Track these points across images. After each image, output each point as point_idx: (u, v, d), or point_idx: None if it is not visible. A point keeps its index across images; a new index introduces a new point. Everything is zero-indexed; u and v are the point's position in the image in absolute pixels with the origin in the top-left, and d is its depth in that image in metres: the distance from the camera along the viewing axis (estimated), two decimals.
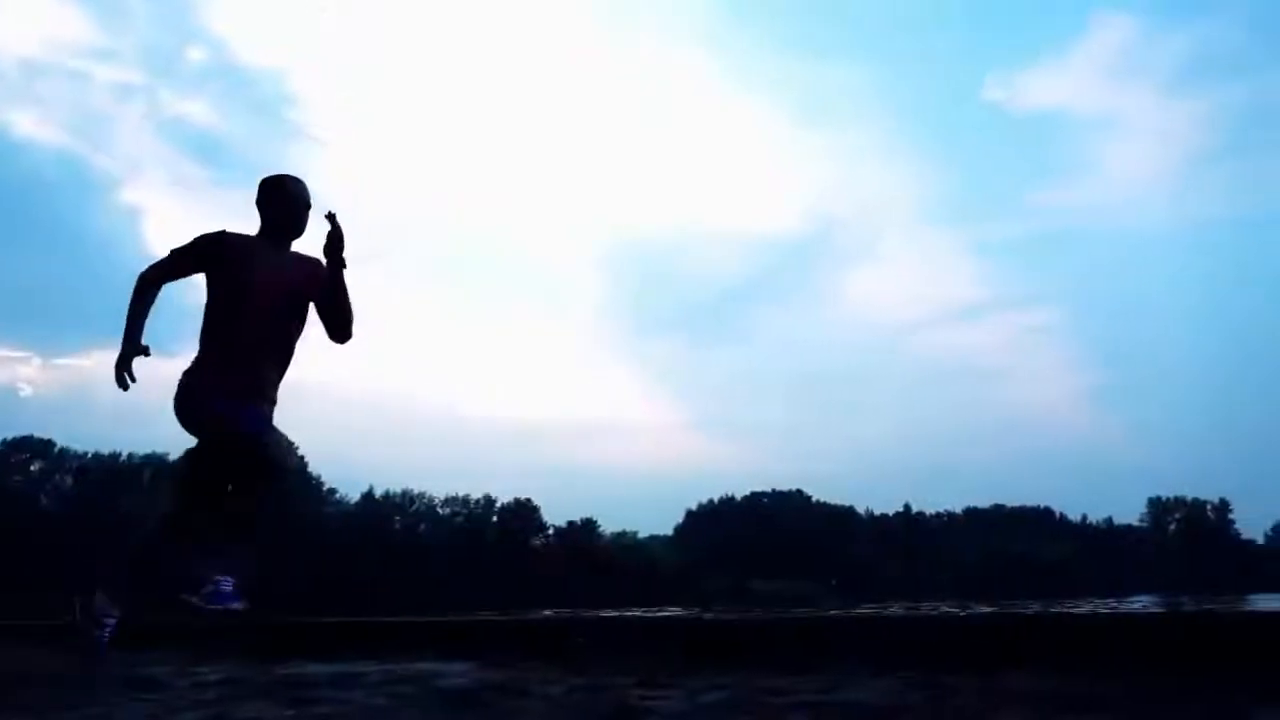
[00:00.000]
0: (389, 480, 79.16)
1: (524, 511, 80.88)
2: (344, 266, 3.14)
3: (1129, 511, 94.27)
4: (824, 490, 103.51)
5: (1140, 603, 24.52)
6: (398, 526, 76.02)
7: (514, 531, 78.60)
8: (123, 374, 2.95)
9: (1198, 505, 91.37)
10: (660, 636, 2.54)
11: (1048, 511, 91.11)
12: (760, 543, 78.80)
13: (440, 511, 79.83)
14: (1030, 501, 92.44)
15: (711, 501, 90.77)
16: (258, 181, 3.25)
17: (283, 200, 3.24)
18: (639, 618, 3.16)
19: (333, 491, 74.21)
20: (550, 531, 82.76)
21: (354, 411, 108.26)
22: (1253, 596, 35.40)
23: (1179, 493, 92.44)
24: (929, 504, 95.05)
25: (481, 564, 70.45)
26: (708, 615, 2.98)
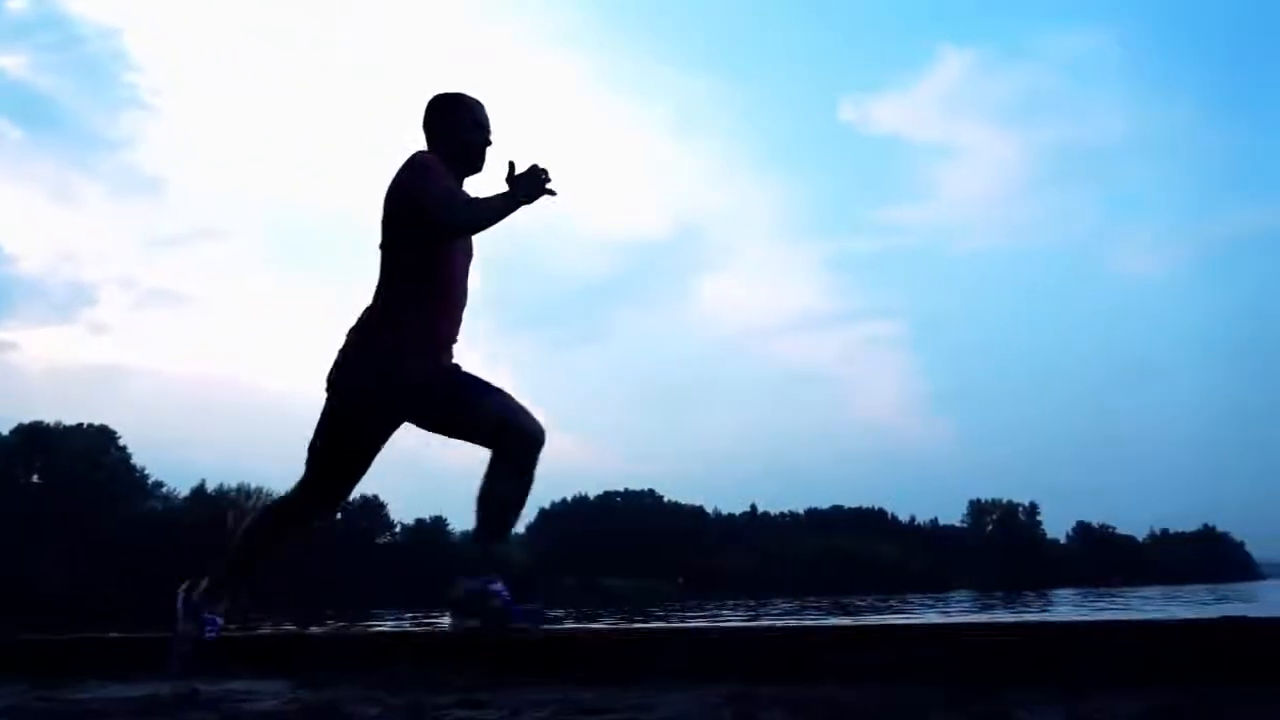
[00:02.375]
0: (224, 473, 74.78)
1: (370, 508, 78.21)
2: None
3: (952, 513, 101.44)
4: (675, 490, 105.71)
5: (961, 600, 26.23)
6: (230, 523, 71.69)
7: (359, 529, 75.81)
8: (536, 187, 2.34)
9: (1011, 507, 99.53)
10: (490, 649, 2.50)
11: (881, 512, 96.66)
12: (612, 542, 79.45)
13: None
14: (865, 503, 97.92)
15: (565, 500, 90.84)
16: (431, 98, 2.61)
17: (478, 128, 2.59)
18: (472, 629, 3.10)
19: (158, 485, 69.23)
20: (398, 529, 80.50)
21: (186, 395, 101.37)
22: (1055, 593, 38.67)
23: (995, 495, 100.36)
24: (773, 504, 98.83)
25: (324, 564, 67.57)
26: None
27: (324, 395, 2.52)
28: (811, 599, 37.34)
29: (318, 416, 2.52)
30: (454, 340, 2.60)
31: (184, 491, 70.17)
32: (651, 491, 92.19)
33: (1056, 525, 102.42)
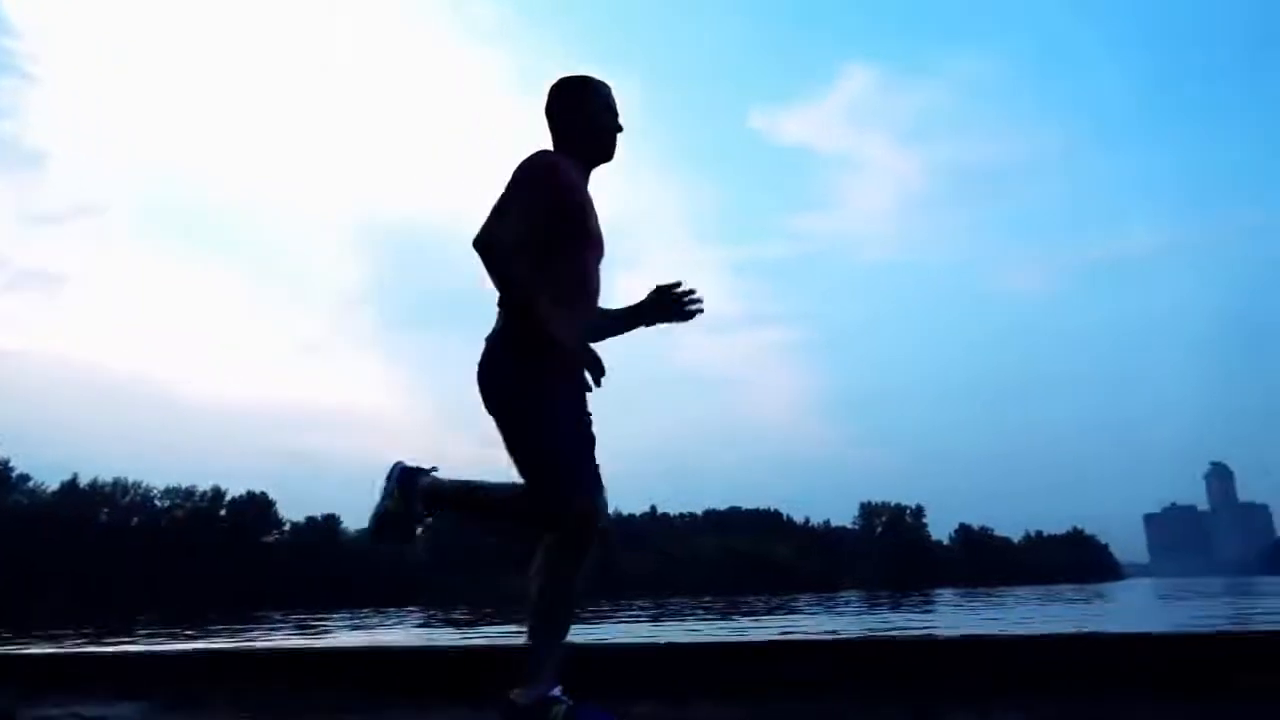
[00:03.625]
0: (97, 467, 70.62)
1: (257, 505, 75.25)
2: (649, 325, 2.47)
3: (844, 514, 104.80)
4: None
5: (850, 601, 27.05)
6: (104, 520, 67.78)
7: (245, 527, 72.81)
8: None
9: (899, 510, 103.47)
10: (350, 667, 2.47)
11: (776, 514, 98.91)
12: (510, 541, 78.69)
13: (159, 503, 72.31)
14: (763, 504, 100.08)
15: None
16: (554, 83, 2.41)
17: (609, 112, 2.37)
18: (339, 649, 3.03)
19: (25, 478, 64.98)
20: (286, 528, 77.70)
21: (57, 386, 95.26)
22: (938, 593, 40.36)
23: (885, 498, 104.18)
24: (673, 505, 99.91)
25: (206, 563, 64.59)
26: (394, 644, 2.94)
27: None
28: (708, 599, 37.90)
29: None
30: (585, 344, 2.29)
31: (53, 485, 66.09)
32: None
33: (941, 527, 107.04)
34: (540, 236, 2.19)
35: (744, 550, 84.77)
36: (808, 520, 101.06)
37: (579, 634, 2.37)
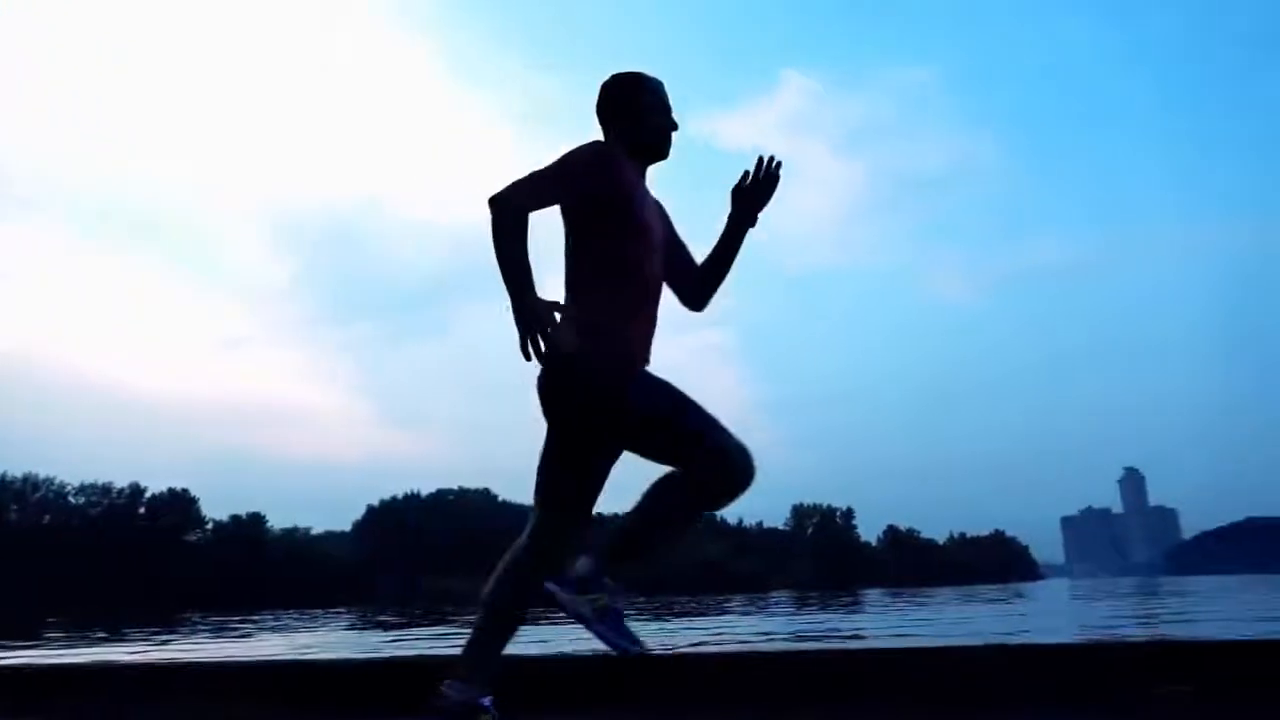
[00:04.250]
0: (5, 462, 67.52)
1: (178, 503, 72.79)
2: (754, 225, 2.46)
3: (776, 515, 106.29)
4: (512, 489, 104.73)
5: (779, 600, 27.38)
6: (13, 518, 64.73)
7: (165, 526, 70.35)
8: (534, 336, 2.01)
9: (830, 511, 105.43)
10: (227, 682, 2.40)
11: (709, 515, 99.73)
12: (442, 540, 77.69)
13: (73, 500, 69.42)
14: None
15: (395, 498, 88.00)
16: (605, 81, 2.37)
17: (664, 110, 2.34)
18: (221, 664, 2.92)
19: None
20: (209, 526, 75.40)
21: None
22: (866, 592, 41.25)
23: (816, 500, 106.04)
24: (606, 505, 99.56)
25: (123, 562, 62.19)
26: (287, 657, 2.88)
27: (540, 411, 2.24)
28: (640, 600, 37.97)
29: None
30: (650, 340, 2.33)
31: None
32: (486, 490, 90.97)
33: (869, 529, 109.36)
34: (581, 222, 2.21)
35: (677, 550, 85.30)
36: (740, 521, 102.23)
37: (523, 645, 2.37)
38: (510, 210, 2.05)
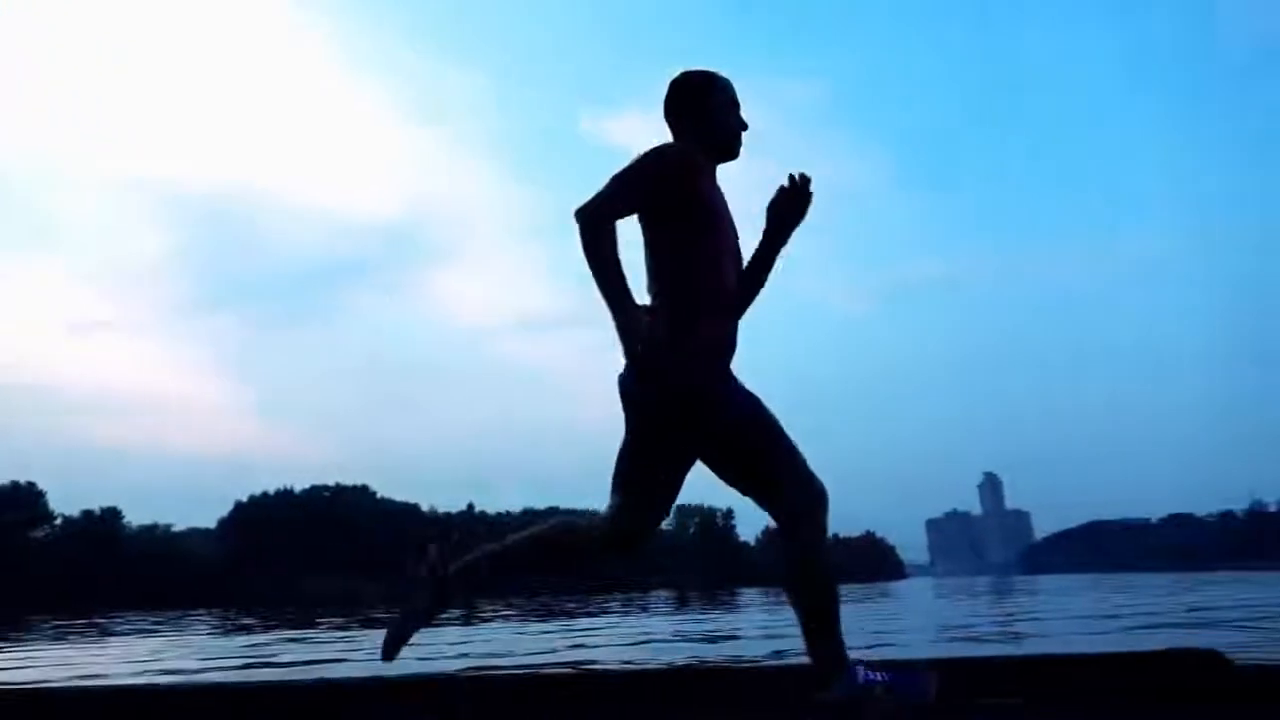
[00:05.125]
0: None
1: (23, 497, 67.55)
2: (786, 244, 2.35)
3: None
4: (391, 486, 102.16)
5: (658, 601, 27.58)
6: None
7: (9, 522, 65.12)
8: (638, 346, 1.97)
9: (710, 512, 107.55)
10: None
11: (595, 514, 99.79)
12: (317, 539, 74.96)
13: None
14: (581, 504, 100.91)
15: (266, 494, 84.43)
16: (675, 79, 2.31)
17: (735, 108, 2.29)
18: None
19: None
20: (58, 522, 70.30)
21: None
22: (744, 591, 42.00)
23: (698, 500, 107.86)
24: (491, 504, 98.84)
25: None
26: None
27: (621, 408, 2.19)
28: (519, 601, 37.65)
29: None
30: (735, 341, 2.27)
31: None
32: (365, 487, 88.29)
33: (749, 529, 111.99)
34: (664, 225, 2.16)
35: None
36: None
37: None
38: (597, 221, 2.02)
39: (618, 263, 2.03)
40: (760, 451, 2.15)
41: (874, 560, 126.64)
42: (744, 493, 2.21)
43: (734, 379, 2.21)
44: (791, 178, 2.30)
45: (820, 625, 2.04)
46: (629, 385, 2.14)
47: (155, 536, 74.39)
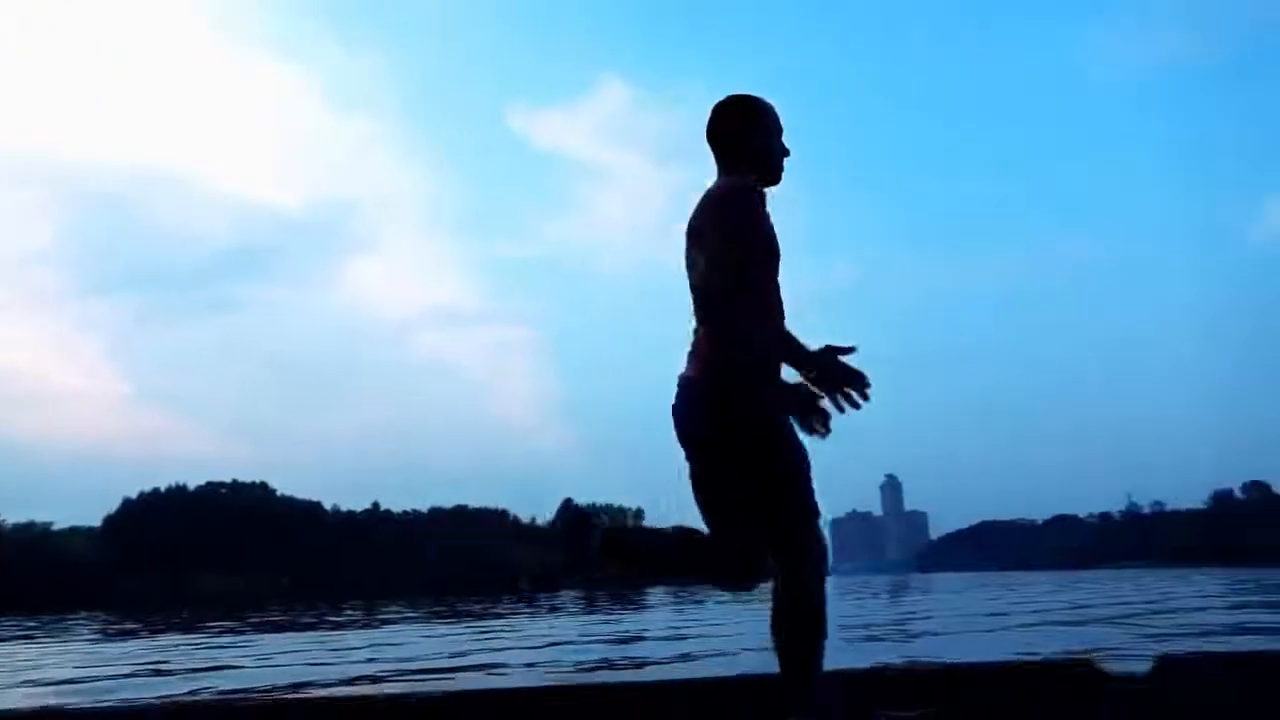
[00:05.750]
0: None
1: None
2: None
3: None
4: (290, 483, 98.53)
5: (565, 601, 27.48)
6: None
7: None
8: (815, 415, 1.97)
9: (622, 512, 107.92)
10: None
11: (503, 513, 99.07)
12: (211, 537, 71.99)
13: None
14: (490, 503, 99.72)
15: (157, 490, 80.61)
16: (722, 104, 2.22)
17: (780, 134, 2.22)
18: None
19: None
20: None
21: None
22: (654, 590, 42.31)
23: (609, 500, 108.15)
24: (397, 502, 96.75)
25: None
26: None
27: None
28: (423, 600, 37.04)
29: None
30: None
31: None
32: (264, 484, 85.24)
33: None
34: (747, 274, 2.08)
35: (469, 549, 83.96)
36: (534, 520, 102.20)
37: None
38: (734, 310, 2.00)
39: (783, 347, 2.08)
40: (790, 504, 2.15)
41: None
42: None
43: (792, 427, 2.16)
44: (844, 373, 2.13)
45: (797, 664, 2.04)
46: (691, 414, 2.10)
47: (32, 535, 70.19)
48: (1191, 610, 9.95)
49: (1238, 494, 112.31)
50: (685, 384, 2.11)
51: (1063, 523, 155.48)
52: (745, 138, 2.21)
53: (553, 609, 19.55)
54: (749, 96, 2.26)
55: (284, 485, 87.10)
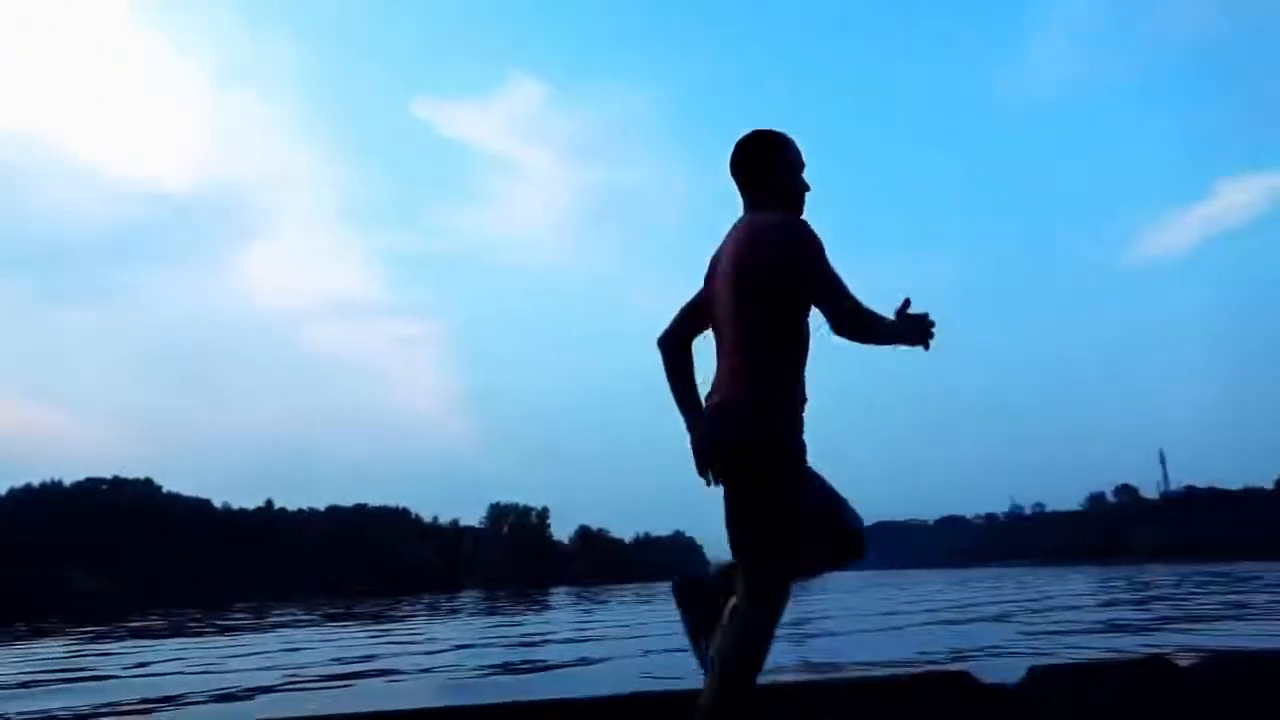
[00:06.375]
0: None
1: None
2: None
3: (473, 513, 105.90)
4: (177, 480, 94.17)
5: (468, 600, 27.17)
6: None
7: None
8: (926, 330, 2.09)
9: (526, 510, 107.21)
10: None
11: (405, 511, 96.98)
12: (91, 536, 68.14)
13: None
14: (390, 501, 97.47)
15: (30, 486, 75.93)
16: (751, 140, 2.27)
17: (802, 173, 2.30)
18: None
19: None
20: None
21: None
22: (555, 591, 42.11)
23: (514, 499, 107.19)
24: (292, 500, 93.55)
25: None
26: None
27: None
28: (319, 601, 35.96)
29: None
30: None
31: None
32: (149, 480, 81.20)
33: (563, 528, 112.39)
34: (788, 294, 2.15)
35: (369, 548, 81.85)
36: (436, 519, 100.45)
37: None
38: (855, 311, 2.10)
39: (879, 322, 2.14)
40: (784, 545, 2.18)
41: (682, 559, 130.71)
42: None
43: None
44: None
45: (729, 690, 2.05)
46: (749, 435, 2.12)
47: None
48: (1067, 609, 10.51)
49: (1110, 497, 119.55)
50: (728, 405, 2.13)
51: (952, 523, 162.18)
52: (774, 174, 2.28)
53: (452, 612, 19.24)
54: (776, 133, 2.33)
55: (170, 482, 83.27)
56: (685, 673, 2.28)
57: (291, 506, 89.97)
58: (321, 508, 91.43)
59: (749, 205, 2.28)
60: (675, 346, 2.33)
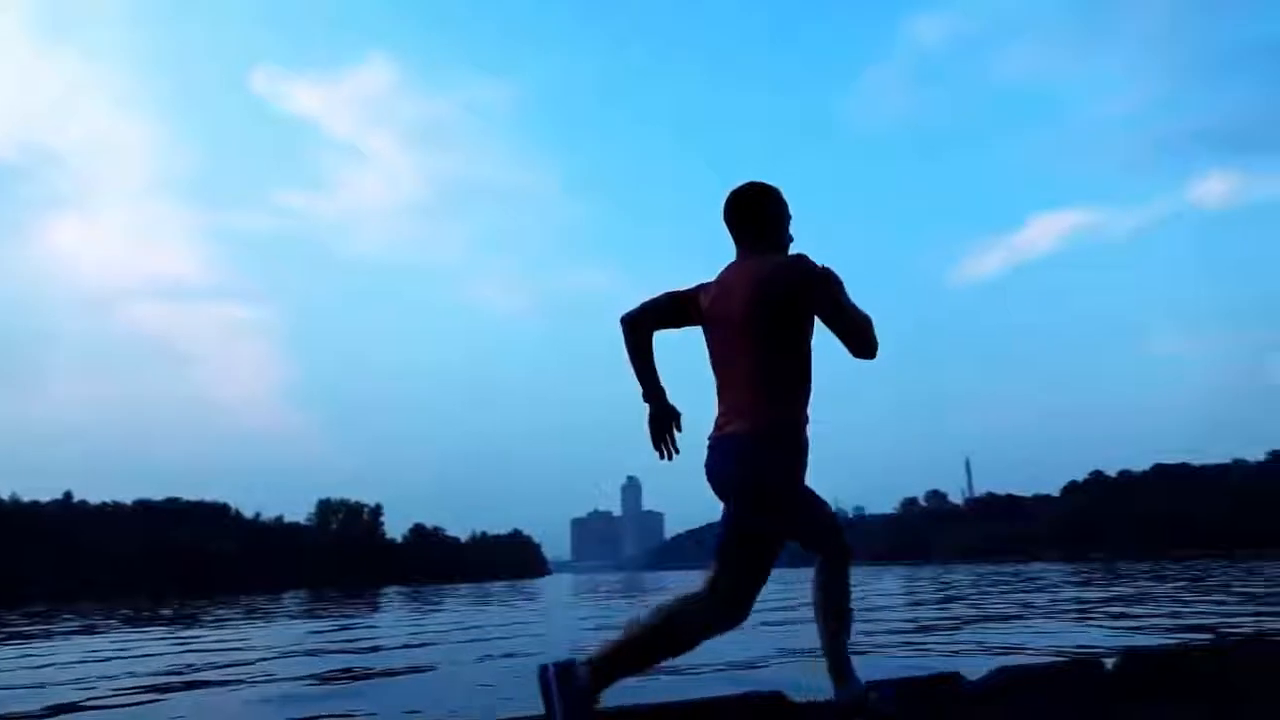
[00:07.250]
0: None
1: None
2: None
3: (299, 510, 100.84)
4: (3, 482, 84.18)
5: (294, 603, 25.91)
6: None
7: None
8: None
9: (358, 508, 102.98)
10: None
11: (224, 507, 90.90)
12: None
13: None
14: (207, 495, 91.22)
15: None
16: (758, 191, 2.51)
17: (790, 221, 2.58)
18: None
19: None
20: None
21: None
22: (387, 591, 40.88)
23: (345, 495, 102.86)
24: (94, 493, 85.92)
25: None
26: None
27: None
28: (120, 603, 33.31)
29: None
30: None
31: None
32: None
33: (397, 526, 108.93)
34: (799, 327, 2.36)
35: (181, 546, 76.17)
36: (258, 515, 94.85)
37: None
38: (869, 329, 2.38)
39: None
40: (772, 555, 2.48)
41: (519, 558, 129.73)
42: (735, 560, 2.46)
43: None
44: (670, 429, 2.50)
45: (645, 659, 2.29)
46: (768, 469, 2.30)
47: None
48: (877, 609, 11.23)
49: (922, 501, 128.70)
50: (742, 438, 2.30)
51: None
52: (778, 226, 2.51)
53: (268, 615, 18.29)
54: (773, 188, 2.55)
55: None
56: (528, 681, 2.24)
57: (94, 499, 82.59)
58: (129, 502, 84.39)
59: (747, 251, 2.47)
60: (640, 330, 2.46)
